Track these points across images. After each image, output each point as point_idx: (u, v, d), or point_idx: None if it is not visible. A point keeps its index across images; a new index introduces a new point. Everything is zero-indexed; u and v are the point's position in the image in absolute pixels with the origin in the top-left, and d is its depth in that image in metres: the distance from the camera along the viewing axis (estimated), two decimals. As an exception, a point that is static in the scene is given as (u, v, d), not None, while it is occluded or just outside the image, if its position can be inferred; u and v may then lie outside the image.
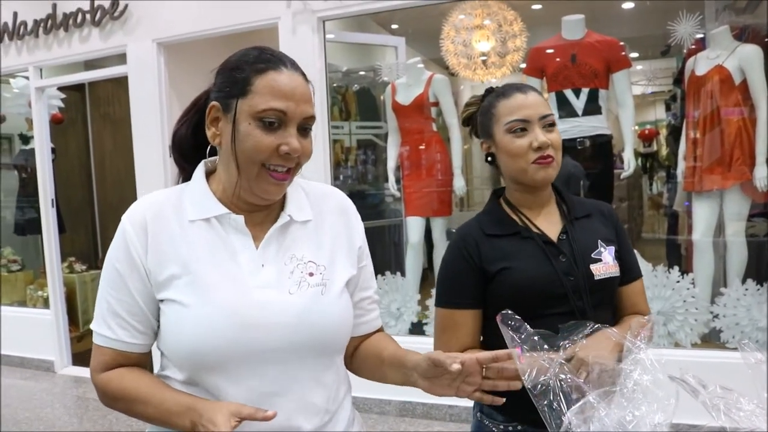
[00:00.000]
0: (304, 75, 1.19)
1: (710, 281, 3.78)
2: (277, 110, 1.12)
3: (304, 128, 1.17)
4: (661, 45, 5.92)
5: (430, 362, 1.12)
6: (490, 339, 1.57)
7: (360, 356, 1.36)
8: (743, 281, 3.69)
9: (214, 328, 1.12)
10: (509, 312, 1.12)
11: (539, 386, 1.01)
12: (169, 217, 1.20)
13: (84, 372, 5.12)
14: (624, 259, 1.58)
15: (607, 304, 1.56)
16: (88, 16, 4.73)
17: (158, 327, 1.21)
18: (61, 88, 5.58)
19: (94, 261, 6.14)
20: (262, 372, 1.15)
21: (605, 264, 1.52)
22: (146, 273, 1.17)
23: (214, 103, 1.18)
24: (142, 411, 1.17)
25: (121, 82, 5.47)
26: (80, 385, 5.00)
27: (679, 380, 0.96)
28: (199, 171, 1.25)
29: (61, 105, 5.70)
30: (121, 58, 4.80)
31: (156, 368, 1.27)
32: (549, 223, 1.58)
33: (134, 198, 4.73)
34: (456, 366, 1.07)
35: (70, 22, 4.81)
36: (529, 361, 1.04)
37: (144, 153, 4.68)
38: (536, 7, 5.18)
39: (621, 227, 1.62)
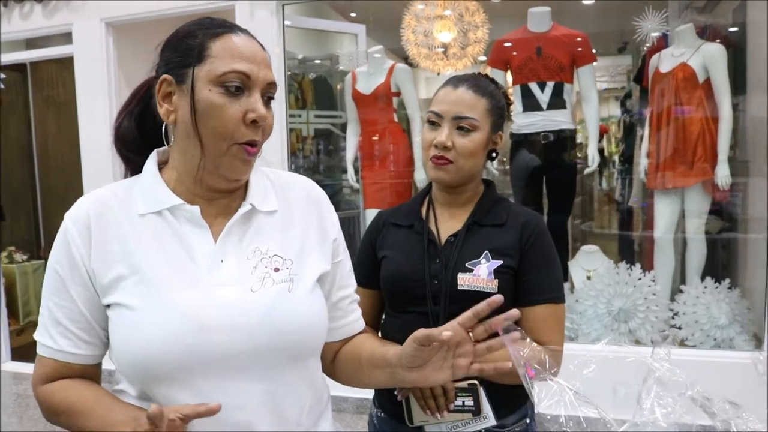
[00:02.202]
0: (260, 43, 1.09)
1: (670, 278, 3.79)
2: (240, 72, 1.02)
3: (267, 97, 1.07)
4: (618, 42, 5.98)
5: (415, 343, 1.04)
6: (382, 327, 1.60)
7: (340, 361, 1.26)
8: (701, 279, 3.71)
9: (167, 332, 0.99)
10: (512, 324, 1.02)
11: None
12: (116, 213, 1.08)
13: (24, 368, 4.88)
14: (525, 280, 1.45)
15: None
16: (30, -10, 4.45)
17: (107, 338, 1.09)
18: (0, 68, 5.27)
19: (36, 251, 5.86)
20: (223, 382, 1.01)
21: (475, 276, 1.43)
22: (89, 275, 1.05)
23: (165, 76, 1.06)
24: (84, 424, 1.04)
25: (66, 63, 5.20)
26: (20, 382, 4.74)
27: (697, 400, 0.88)
28: (151, 161, 1.13)
29: (1, 86, 5.40)
30: (66, 38, 4.54)
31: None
32: (451, 224, 1.53)
33: (80, 184, 4.59)
34: (447, 333, 1.00)
35: (11, -4, 4.53)
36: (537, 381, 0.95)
37: (90, 138, 4.44)
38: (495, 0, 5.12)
39: (536, 244, 1.47)
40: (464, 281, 1.44)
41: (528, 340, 1.06)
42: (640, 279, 3.68)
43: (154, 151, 1.14)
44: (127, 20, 4.33)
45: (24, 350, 5.13)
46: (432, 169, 1.50)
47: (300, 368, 1.10)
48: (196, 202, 1.08)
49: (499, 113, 1.53)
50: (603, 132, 7.35)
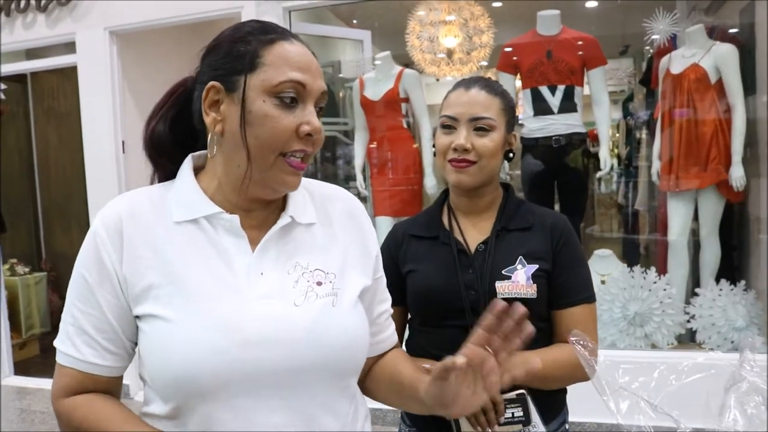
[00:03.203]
0: (311, 50, 1.04)
1: (685, 281, 3.76)
2: (297, 82, 0.97)
3: (318, 107, 1.02)
4: (619, 45, 5.99)
5: (435, 380, 0.98)
6: (409, 343, 1.55)
7: (375, 378, 1.20)
8: (716, 281, 3.68)
9: (207, 346, 0.94)
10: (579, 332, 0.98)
11: None
12: (150, 218, 1.02)
13: (27, 382, 4.82)
14: (560, 281, 1.44)
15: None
16: (33, 1, 4.41)
17: (134, 349, 1.04)
18: (0, 79, 5.22)
19: (38, 263, 5.79)
20: (264, 399, 0.96)
21: (514, 283, 1.41)
22: (120, 283, 0.99)
23: (213, 83, 1.00)
24: None
25: (67, 74, 5.15)
26: (24, 397, 4.68)
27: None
28: (187, 166, 1.08)
29: (2, 97, 5.34)
30: (68, 47, 4.50)
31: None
32: (477, 231, 1.50)
33: (82, 195, 4.54)
34: (461, 359, 0.92)
35: (13, 6, 4.48)
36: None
37: (95, 148, 4.40)
38: (497, 4, 5.11)
39: (567, 245, 1.46)
40: (503, 289, 1.40)
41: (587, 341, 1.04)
42: (655, 282, 3.64)
43: (189, 156, 1.09)
44: (131, 29, 4.31)
45: (27, 364, 5.07)
46: (453, 173, 1.46)
47: (342, 386, 1.06)
48: (234, 212, 1.04)
49: (512, 113, 1.52)
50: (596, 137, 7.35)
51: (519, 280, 1.41)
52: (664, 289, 3.63)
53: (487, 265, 1.43)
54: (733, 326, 3.52)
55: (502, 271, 1.42)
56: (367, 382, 1.21)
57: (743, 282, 3.63)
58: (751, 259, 3.98)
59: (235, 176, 1.02)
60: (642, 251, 5.06)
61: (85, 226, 5.61)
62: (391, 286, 1.50)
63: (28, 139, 6.00)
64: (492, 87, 1.49)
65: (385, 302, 1.21)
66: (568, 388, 1.51)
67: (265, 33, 1.00)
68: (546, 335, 1.46)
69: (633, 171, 5.43)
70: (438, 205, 1.58)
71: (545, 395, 1.41)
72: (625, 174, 5.63)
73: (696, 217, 3.75)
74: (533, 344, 1.42)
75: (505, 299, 1.38)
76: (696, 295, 3.67)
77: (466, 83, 1.49)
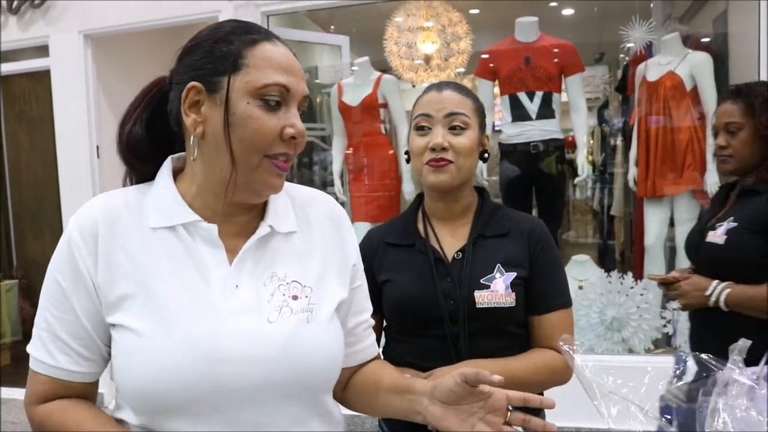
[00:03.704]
0: (293, 52, 1.02)
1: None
2: (281, 85, 0.96)
3: (300, 111, 1.01)
4: (594, 53, 6.06)
5: (461, 378, 0.96)
6: (386, 351, 1.53)
7: (354, 387, 1.19)
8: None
9: (177, 362, 0.92)
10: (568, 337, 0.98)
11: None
12: (126, 223, 1.00)
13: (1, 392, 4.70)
14: (538, 287, 1.44)
15: (494, 334, 1.42)
16: (4, 2, 4.33)
17: (110, 353, 1.01)
18: (-29, 82, 5.13)
19: (8, 269, 5.66)
20: (233, 417, 0.94)
21: (492, 292, 1.40)
22: (95, 289, 0.97)
23: (193, 83, 0.97)
24: None
25: (39, 77, 5.06)
26: (-6, 406, 4.57)
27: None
28: (166, 169, 1.05)
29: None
30: (40, 51, 4.43)
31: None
32: (454, 238, 1.49)
33: (55, 201, 4.46)
34: (498, 377, 0.93)
35: (-16, 9, 4.40)
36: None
37: (69, 153, 4.32)
38: (474, 11, 5.14)
39: (544, 250, 1.46)
40: (482, 298, 1.40)
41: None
42: (632, 288, 3.68)
43: (168, 158, 1.06)
44: (106, 32, 4.25)
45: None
46: (431, 173, 1.44)
47: (314, 403, 1.04)
48: (214, 220, 1.01)
49: (483, 114, 1.52)
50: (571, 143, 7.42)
51: (498, 289, 1.40)
52: (641, 294, 3.66)
53: (465, 273, 1.42)
54: (708, 331, 3.56)
55: (481, 280, 1.41)
56: (345, 393, 1.19)
57: (718, 287, 3.67)
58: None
59: (216, 180, 0.99)
60: (617, 257, 5.11)
61: (57, 232, 5.51)
62: None
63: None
64: (463, 89, 1.50)
65: (362, 313, 1.18)
66: (546, 391, 1.51)
67: (248, 33, 0.99)
68: (523, 341, 1.46)
69: (608, 177, 5.49)
70: (412, 210, 1.56)
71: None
72: (600, 180, 5.69)
73: (672, 223, 3.79)
74: (510, 351, 1.42)
75: (483, 309, 1.39)
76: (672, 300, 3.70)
77: (437, 86, 1.49)
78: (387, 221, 1.62)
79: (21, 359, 5.27)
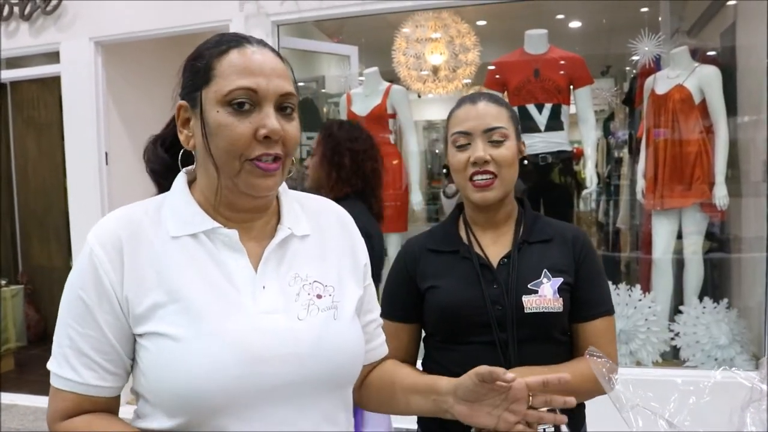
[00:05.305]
0: (275, 52, 1.04)
1: (669, 299, 3.80)
2: (246, 88, 0.97)
3: (284, 108, 1.01)
4: (601, 66, 6.08)
5: (477, 378, 1.04)
6: (426, 362, 1.53)
7: (371, 386, 1.24)
8: (699, 299, 3.72)
9: (216, 364, 0.94)
10: (596, 350, 0.98)
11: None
12: (148, 235, 1.01)
13: (2, 398, 4.69)
14: (581, 294, 1.45)
15: (542, 340, 1.42)
16: (16, 9, 4.34)
17: (132, 366, 1.02)
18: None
19: (14, 275, 5.67)
20: (270, 412, 0.98)
21: (541, 297, 1.40)
22: (120, 304, 0.98)
23: (181, 102, 1.04)
24: None
25: (48, 84, 5.09)
26: (-2, 412, 4.57)
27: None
28: (180, 180, 1.08)
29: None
30: (49, 57, 4.45)
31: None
32: (498, 245, 1.49)
33: (62, 207, 4.48)
34: (510, 375, 1.02)
35: (-5, 15, 4.42)
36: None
37: (77, 160, 4.33)
38: (482, 23, 5.16)
39: (588, 258, 1.47)
40: (531, 303, 1.40)
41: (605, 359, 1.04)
42: (640, 300, 3.67)
43: (183, 170, 1.09)
44: (117, 40, 4.26)
45: (1, 380, 4.94)
46: (475, 191, 1.43)
47: (341, 397, 1.08)
48: (230, 226, 1.04)
49: (518, 121, 1.52)
50: (580, 154, 7.42)
51: (546, 293, 1.40)
52: (649, 307, 3.66)
53: (511, 278, 1.42)
54: (716, 344, 3.56)
55: (528, 285, 1.41)
56: (362, 391, 1.25)
57: (726, 300, 3.67)
58: (733, 278, 4.03)
59: (212, 188, 1.03)
60: (623, 269, 5.10)
61: (64, 238, 5.52)
62: (406, 304, 1.50)
63: (7, 149, 5.91)
64: (497, 99, 1.50)
65: (373, 311, 1.23)
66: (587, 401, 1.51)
67: (218, 45, 1.02)
68: (567, 349, 1.46)
69: (614, 189, 5.49)
70: (453, 219, 1.56)
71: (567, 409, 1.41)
72: (606, 192, 5.70)
73: (680, 236, 3.80)
74: (557, 358, 1.42)
75: (531, 314, 1.39)
76: (680, 312, 3.70)
77: (470, 98, 1.49)
78: (426, 231, 1.61)
79: (25, 365, 5.27)
